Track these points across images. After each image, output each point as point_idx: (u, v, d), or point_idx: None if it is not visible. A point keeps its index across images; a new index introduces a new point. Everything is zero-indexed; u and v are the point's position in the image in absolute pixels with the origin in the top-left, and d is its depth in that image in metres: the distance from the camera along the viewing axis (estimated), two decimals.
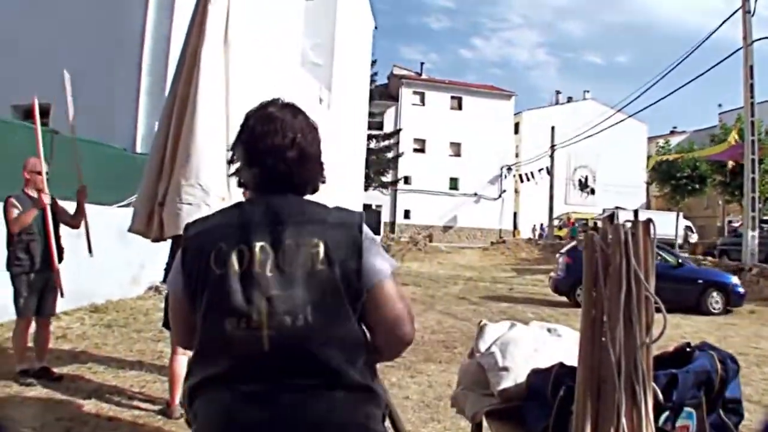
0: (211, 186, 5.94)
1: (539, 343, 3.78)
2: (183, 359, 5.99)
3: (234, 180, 2.30)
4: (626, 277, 2.53)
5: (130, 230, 6.31)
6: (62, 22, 15.01)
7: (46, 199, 6.71)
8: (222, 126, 6.15)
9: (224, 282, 1.94)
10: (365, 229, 2.05)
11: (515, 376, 3.47)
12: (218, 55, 6.22)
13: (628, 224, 2.61)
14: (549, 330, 4.04)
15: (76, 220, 7.08)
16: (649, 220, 2.62)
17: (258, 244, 1.97)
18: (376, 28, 37.32)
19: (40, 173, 6.78)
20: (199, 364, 2.04)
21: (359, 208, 30.42)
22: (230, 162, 2.23)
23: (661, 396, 2.80)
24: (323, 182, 2.24)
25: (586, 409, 2.61)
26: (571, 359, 3.32)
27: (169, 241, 6.18)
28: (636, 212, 2.60)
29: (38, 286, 6.80)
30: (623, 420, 2.51)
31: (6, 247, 6.75)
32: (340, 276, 1.95)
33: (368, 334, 2.09)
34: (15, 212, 6.61)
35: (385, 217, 54.87)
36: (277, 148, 2.09)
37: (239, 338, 1.91)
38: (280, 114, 2.16)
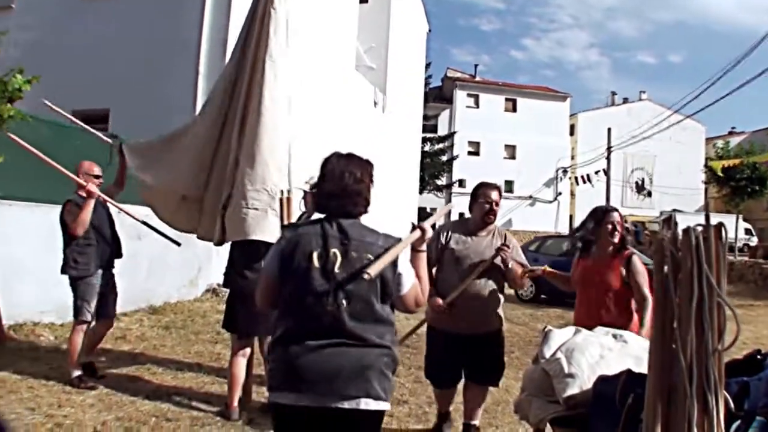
0: (277, 191, 5.97)
1: (605, 350, 3.72)
2: (242, 361, 6.04)
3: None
4: (698, 282, 2.47)
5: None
6: (120, 29, 15.23)
7: (93, 189, 6.67)
8: (285, 131, 6.18)
9: (308, 272, 3.03)
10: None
11: (581, 382, 3.42)
12: (281, 60, 6.23)
13: (699, 228, 2.54)
14: (614, 336, 3.97)
15: (118, 183, 7.12)
16: (721, 224, 2.55)
17: (332, 250, 3.05)
18: (430, 30, 37.28)
19: (96, 176, 6.85)
20: (282, 323, 3.12)
21: (414, 212, 30.46)
22: (312, 189, 3.37)
23: (732, 404, 2.72)
24: (366, 212, 3.25)
25: (657, 417, 2.55)
26: (639, 366, 3.25)
27: (228, 244, 6.23)
28: (708, 216, 2.52)
29: (97, 289, 6.85)
30: (694, 429, 2.44)
31: (63, 250, 6.81)
32: (380, 281, 3.03)
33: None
34: (73, 212, 6.69)
35: (439, 220, 54.67)
36: (338, 190, 3.17)
37: (314, 310, 3.00)
38: (337, 166, 3.23)
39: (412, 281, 3.19)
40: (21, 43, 11.00)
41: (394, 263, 3.07)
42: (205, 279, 12.86)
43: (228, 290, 6.32)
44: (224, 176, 6.15)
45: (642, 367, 3.12)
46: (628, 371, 3.08)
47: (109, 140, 6.99)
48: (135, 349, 8.50)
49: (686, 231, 2.55)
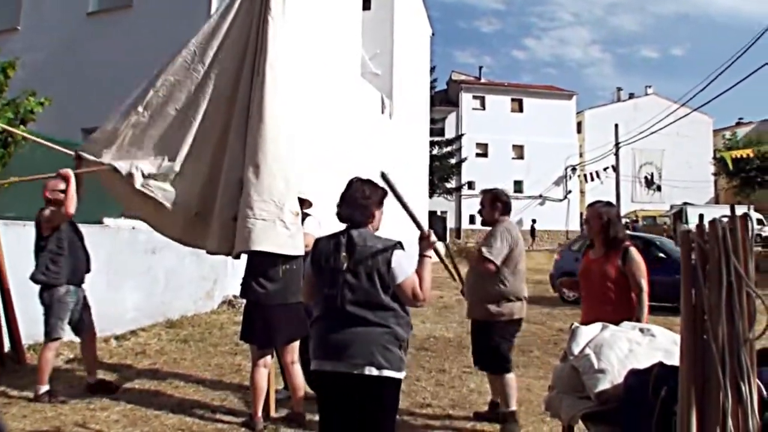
0: (285, 201, 5.96)
1: (633, 344, 3.72)
2: (264, 371, 6.04)
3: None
4: (726, 273, 2.46)
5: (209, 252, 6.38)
6: (127, 45, 15.28)
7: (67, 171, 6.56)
8: (289, 141, 6.17)
9: (326, 271, 3.91)
10: (396, 251, 3.87)
11: (612, 377, 3.42)
12: (281, 68, 6.22)
13: (725, 219, 2.53)
14: (642, 330, 3.97)
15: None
16: (746, 215, 2.54)
17: (342, 254, 3.89)
18: (433, 34, 37.27)
19: (61, 191, 6.73)
20: (316, 308, 4.03)
21: (424, 216, 30.40)
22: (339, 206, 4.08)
23: (765, 393, 2.71)
24: (372, 222, 4.09)
25: (691, 408, 2.54)
26: (669, 359, 3.24)
27: (244, 256, 6.22)
28: (733, 207, 2.52)
29: (70, 306, 6.87)
30: (729, 419, 2.44)
31: (35, 256, 6.81)
32: (378, 275, 3.81)
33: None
34: (47, 212, 6.76)
35: (450, 223, 54.55)
36: (352, 206, 4.03)
37: (329, 299, 3.86)
38: (353, 187, 4.08)
39: (407, 274, 3.86)
40: (29, 64, 11.04)
41: (388, 262, 3.83)
42: (221, 291, 12.87)
43: (245, 301, 6.31)
44: (233, 188, 6.13)
45: (672, 360, 3.11)
46: (660, 364, 3.07)
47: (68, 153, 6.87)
48: (155, 364, 8.52)
49: (712, 222, 2.55)
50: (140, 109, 6.30)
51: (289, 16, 6.41)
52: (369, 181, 4.16)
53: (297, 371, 6.14)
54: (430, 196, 41.22)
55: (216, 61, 6.30)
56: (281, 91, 6.17)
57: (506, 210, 6.36)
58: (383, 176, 4.12)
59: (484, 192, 6.50)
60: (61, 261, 6.77)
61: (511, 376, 6.20)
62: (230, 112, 6.29)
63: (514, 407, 6.18)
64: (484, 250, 5.99)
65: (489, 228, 6.33)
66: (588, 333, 3.93)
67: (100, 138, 6.43)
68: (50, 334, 6.76)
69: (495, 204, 6.31)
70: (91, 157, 6.36)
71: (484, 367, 6.43)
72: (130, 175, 6.13)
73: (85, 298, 7.10)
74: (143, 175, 6.14)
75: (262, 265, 5.98)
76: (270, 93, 6.04)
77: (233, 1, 6.36)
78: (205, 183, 6.30)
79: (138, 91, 6.46)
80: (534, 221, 54.64)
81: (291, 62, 6.25)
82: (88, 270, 7.15)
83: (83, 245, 7.11)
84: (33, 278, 6.76)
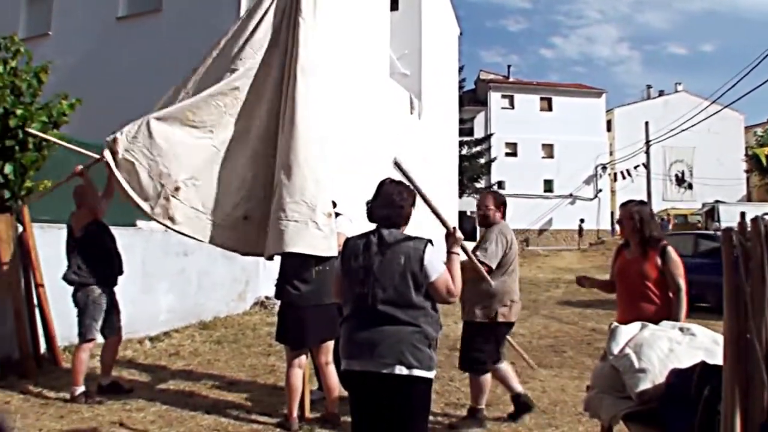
0: (317, 203, 5.98)
1: (673, 343, 3.68)
2: (298, 372, 6.05)
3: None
4: None
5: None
6: (157, 46, 15.45)
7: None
8: (320, 143, 6.18)
9: (357, 270, 3.88)
10: (428, 249, 3.84)
11: (653, 377, 3.39)
12: (312, 71, 6.24)
13: (767, 217, 2.50)
14: (681, 329, 3.93)
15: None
16: None
17: (374, 253, 3.87)
18: (461, 34, 37.19)
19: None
20: (345, 309, 4.01)
21: (454, 216, 30.35)
22: (367, 207, 4.10)
23: None
24: (406, 224, 4.09)
25: (735, 408, 2.50)
26: (710, 358, 3.20)
27: (277, 258, 6.23)
28: None
29: (104, 307, 6.95)
30: None
31: (67, 256, 6.92)
32: (410, 274, 3.78)
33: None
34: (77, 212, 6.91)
35: None
36: (388, 207, 4.00)
37: (360, 298, 3.83)
38: (388, 187, 4.05)
39: (440, 271, 3.87)
40: (60, 68, 11.13)
41: (421, 260, 3.80)
42: (254, 292, 12.94)
43: (279, 302, 6.32)
44: (269, 189, 6.15)
45: (713, 359, 3.07)
46: (703, 363, 3.04)
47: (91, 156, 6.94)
48: (189, 365, 8.57)
49: (755, 220, 2.52)
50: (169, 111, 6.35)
51: (319, 17, 6.41)
52: (402, 183, 4.15)
53: (331, 372, 6.13)
54: (460, 196, 41.16)
55: (246, 62, 6.32)
56: (312, 93, 6.18)
57: (505, 212, 6.36)
58: (396, 165, 4.22)
59: (487, 193, 6.55)
60: (93, 262, 6.85)
61: (487, 378, 6.16)
62: (260, 115, 6.32)
63: (481, 405, 6.17)
64: (479, 254, 5.90)
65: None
66: (627, 332, 3.90)
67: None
68: (84, 335, 6.83)
69: (500, 206, 6.30)
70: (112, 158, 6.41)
71: (465, 368, 6.29)
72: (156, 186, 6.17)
73: (115, 300, 7.15)
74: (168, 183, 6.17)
75: (295, 266, 6.00)
76: (301, 95, 6.07)
77: (262, 2, 6.38)
78: (243, 187, 6.31)
79: (168, 94, 6.52)
80: (582, 221, 54.29)
81: (322, 64, 6.24)
82: (120, 272, 7.22)
83: (115, 247, 7.18)
84: (65, 278, 6.84)
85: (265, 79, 6.33)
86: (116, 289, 7.16)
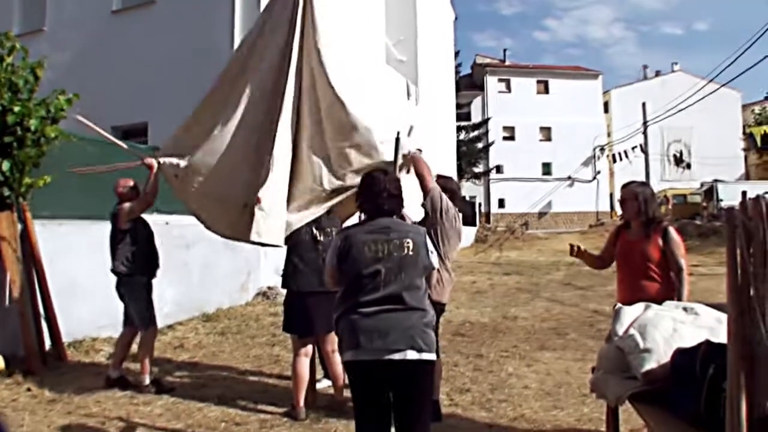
0: (319, 191, 6.04)
1: (677, 323, 3.70)
2: (305, 360, 6.07)
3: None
4: None
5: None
6: (153, 41, 15.43)
7: (150, 161, 6.65)
8: (319, 131, 6.18)
9: (363, 259, 3.88)
10: (426, 237, 4.05)
11: (658, 357, 3.41)
12: (312, 63, 6.24)
13: None
14: (685, 309, 3.95)
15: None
16: None
17: (379, 239, 3.91)
18: (456, 18, 37.08)
19: (132, 188, 7.07)
20: (344, 300, 3.98)
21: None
22: (357, 200, 4.24)
23: None
24: (402, 210, 4.28)
25: (740, 386, 2.51)
26: (714, 336, 3.22)
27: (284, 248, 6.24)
28: None
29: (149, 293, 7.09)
30: None
31: (113, 249, 6.99)
32: (420, 260, 3.92)
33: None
34: (127, 206, 6.91)
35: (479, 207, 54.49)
36: (380, 195, 4.07)
37: (369, 286, 3.85)
38: (380, 177, 4.17)
39: (436, 259, 4.12)
40: (56, 64, 11.12)
41: (426, 247, 3.99)
42: (255, 283, 12.94)
43: (282, 292, 6.33)
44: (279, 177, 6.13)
45: (717, 338, 3.08)
46: (708, 342, 3.05)
47: (136, 155, 6.96)
48: (194, 357, 8.59)
49: (756, 199, 2.52)
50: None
51: (319, 7, 6.42)
52: (390, 173, 4.47)
53: (337, 360, 6.14)
54: (459, 181, 41.12)
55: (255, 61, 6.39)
56: (315, 85, 6.21)
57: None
58: (398, 139, 4.80)
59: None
60: (138, 253, 6.97)
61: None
62: (275, 108, 6.28)
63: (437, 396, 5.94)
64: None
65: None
66: (631, 313, 3.92)
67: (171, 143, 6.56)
68: (149, 324, 7.07)
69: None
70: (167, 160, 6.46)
71: None
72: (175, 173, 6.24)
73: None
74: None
75: (301, 254, 6.04)
76: (307, 89, 6.20)
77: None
78: (247, 174, 6.28)
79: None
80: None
81: (323, 55, 6.25)
82: (158, 265, 7.31)
83: (154, 241, 7.27)
84: (114, 270, 6.95)
85: (271, 72, 6.32)
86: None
